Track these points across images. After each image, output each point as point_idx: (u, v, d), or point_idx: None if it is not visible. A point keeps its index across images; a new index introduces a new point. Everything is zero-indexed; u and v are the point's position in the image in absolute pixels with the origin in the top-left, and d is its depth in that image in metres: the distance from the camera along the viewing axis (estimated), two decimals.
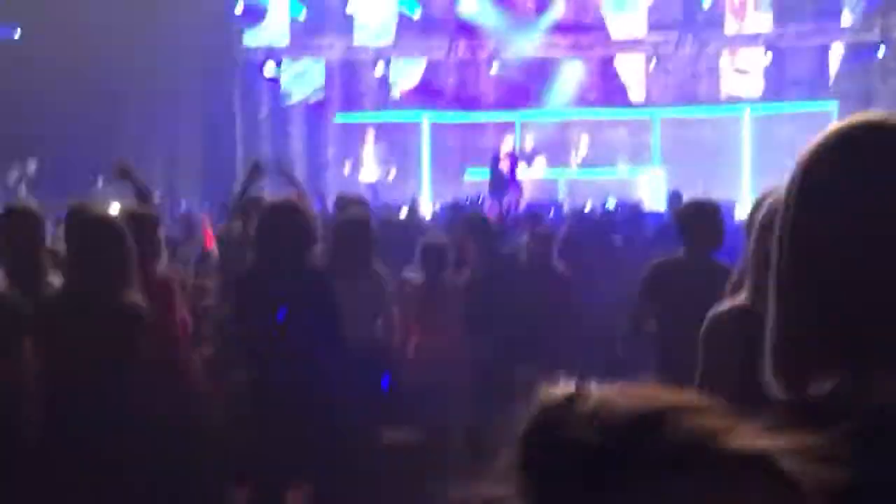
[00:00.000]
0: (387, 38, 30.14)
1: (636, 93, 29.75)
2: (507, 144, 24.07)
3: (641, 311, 7.92)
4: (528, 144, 26.86)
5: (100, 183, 20.32)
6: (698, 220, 7.74)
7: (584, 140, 27.81)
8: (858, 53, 27.93)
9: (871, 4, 28.51)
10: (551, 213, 18.28)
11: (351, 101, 30.33)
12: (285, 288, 7.22)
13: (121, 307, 6.18)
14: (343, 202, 11.74)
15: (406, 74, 30.24)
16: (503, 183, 22.69)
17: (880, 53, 27.85)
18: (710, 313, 4.06)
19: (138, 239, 6.53)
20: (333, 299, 7.28)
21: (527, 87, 29.48)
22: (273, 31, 30.16)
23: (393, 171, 29.49)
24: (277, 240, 7.23)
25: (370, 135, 29.44)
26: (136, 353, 6.23)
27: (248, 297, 7.31)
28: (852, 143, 1.71)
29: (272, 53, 30.08)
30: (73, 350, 6.14)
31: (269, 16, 30.63)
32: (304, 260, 7.32)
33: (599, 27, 30.26)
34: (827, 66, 28.34)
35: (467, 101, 29.60)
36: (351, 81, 30.44)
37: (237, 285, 7.45)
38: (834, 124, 1.78)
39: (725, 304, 4.06)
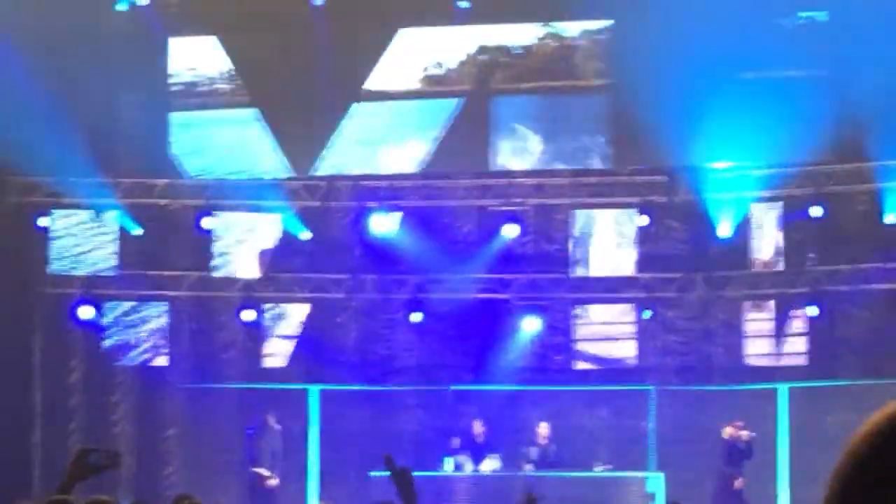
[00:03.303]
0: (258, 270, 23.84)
1: (623, 357, 23.72)
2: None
3: None
4: (477, 430, 22.10)
5: None
6: None
7: (544, 428, 22.20)
8: None
9: None
10: None
11: (205, 363, 23.73)
12: None
13: None
14: None
15: (286, 323, 24.24)
16: None
17: None
18: None
19: None
20: None
21: (462, 345, 23.67)
22: (95, 254, 23.76)
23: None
24: None
25: None
26: None
27: None
28: None
29: (90, 289, 23.29)
30: None
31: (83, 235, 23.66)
32: None
33: (567, 262, 23.59)
34: None
35: (376, 366, 23.54)
36: (205, 332, 23.76)
37: None
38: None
39: None
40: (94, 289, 23.15)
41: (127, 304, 23.57)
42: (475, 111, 23.21)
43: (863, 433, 1.70)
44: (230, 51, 23.36)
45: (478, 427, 21.77)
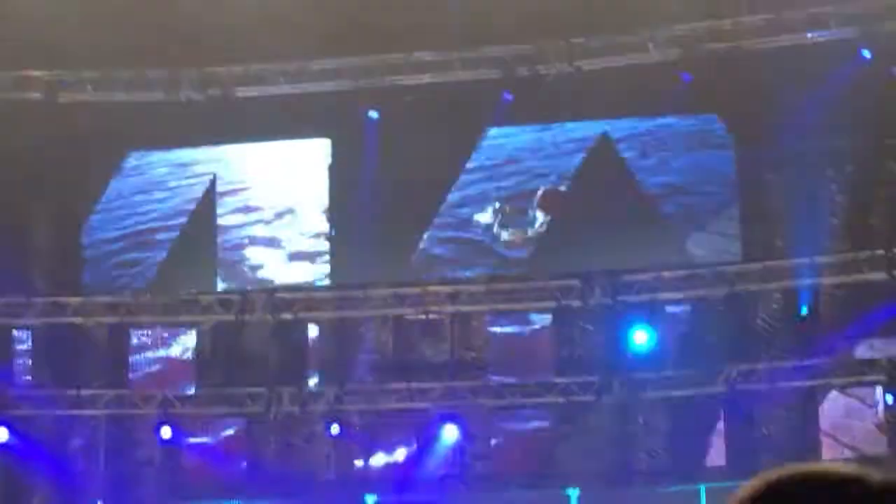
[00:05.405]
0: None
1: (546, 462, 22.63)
2: None
3: None
4: None
5: None
6: None
7: None
8: None
9: None
10: None
11: (122, 481, 22.78)
12: None
13: None
14: None
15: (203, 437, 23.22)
16: None
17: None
18: None
19: None
20: None
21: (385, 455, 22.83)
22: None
23: None
24: None
25: None
26: None
27: None
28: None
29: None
30: None
31: None
32: None
33: (485, 368, 22.83)
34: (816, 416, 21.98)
35: (295, 479, 22.17)
36: (122, 450, 22.73)
37: None
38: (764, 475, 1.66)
39: None
40: (7, 409, 22.46)
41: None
42: (202, 232, 23.29)
43: None
44: None
45: None
